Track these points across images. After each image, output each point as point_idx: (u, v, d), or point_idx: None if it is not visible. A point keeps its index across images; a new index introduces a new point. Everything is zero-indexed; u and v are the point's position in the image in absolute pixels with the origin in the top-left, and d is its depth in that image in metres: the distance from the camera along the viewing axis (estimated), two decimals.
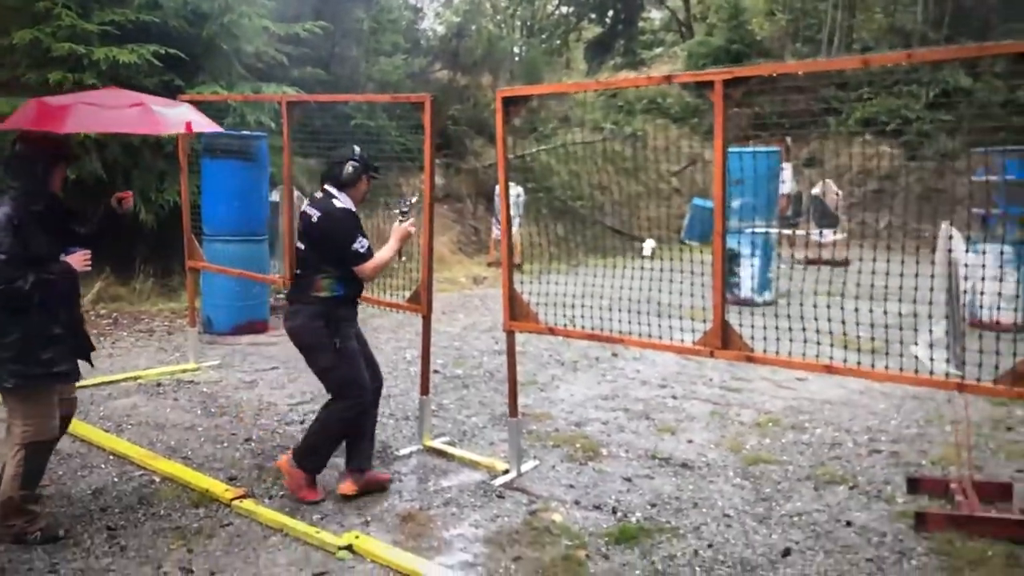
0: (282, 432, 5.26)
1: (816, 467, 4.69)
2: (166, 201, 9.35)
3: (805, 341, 4.02)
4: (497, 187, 13.54)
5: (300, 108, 5.69)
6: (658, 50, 26.54)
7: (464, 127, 15.47)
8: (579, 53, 32.17)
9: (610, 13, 32.08)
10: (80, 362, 3.78)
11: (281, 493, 4.26)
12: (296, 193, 9.60)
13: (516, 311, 4.52)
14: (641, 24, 33.54)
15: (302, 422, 5.42)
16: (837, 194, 13.32)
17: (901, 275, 3.75)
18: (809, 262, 11.52)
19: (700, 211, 15.21)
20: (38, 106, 3.67)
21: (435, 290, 11.42)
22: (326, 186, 4.25)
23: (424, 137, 4.89)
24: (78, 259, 3.57)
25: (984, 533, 3.71)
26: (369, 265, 4.15)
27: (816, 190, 13.62)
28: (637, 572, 3.49)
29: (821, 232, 13.50)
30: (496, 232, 13.26)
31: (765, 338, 4.00)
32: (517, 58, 23.09)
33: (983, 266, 8.32)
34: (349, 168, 4.19)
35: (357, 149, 4.31)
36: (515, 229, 12.96)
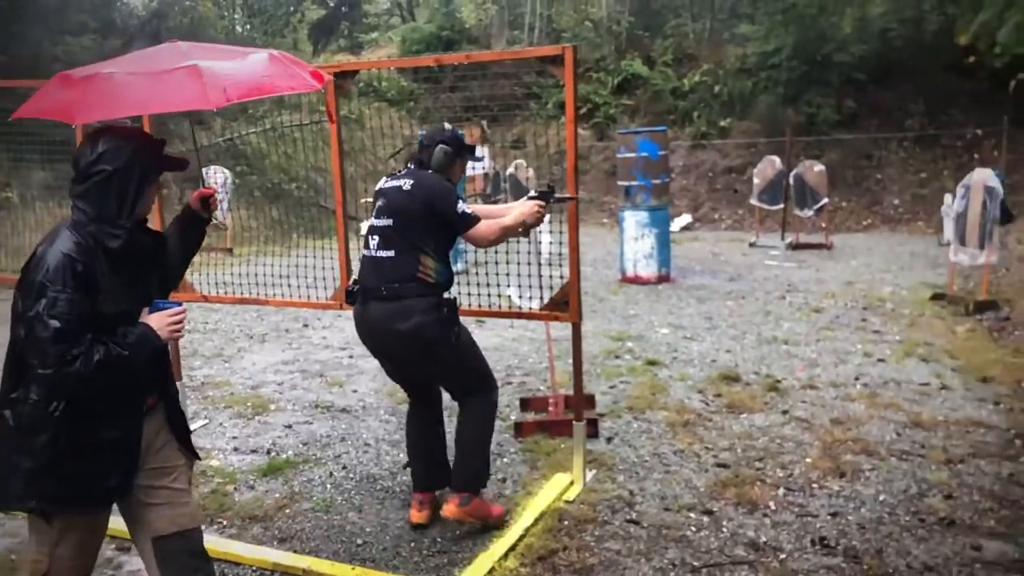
0: None
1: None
2: None
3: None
4: (204, 171, 13.37)
5: None
6: (374, 34, 27.11)
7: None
8: (305, 35, 31.93)
9: None
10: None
11: None
12: None
13: None
14: (367, 7, 33.99)
15: None
16: (529, 172, 14.68)
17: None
18: None
19: None
20: (85, 81, 2.45)
21: None
22: (410, 164, 3.67)
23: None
24: (164, 322, 2.40)
25: (561, 433, 4.72)
26: (488, 228, 3.48)
27: (511, 169, 14.93)
28: (276, 495, 4.09)
29: None
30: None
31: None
32: (240, 39, 22.66)
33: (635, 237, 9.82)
34: (440, 154, 3.56)
35: (448, 127, 3.71)
36: (224, 213, 12.97)
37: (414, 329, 3.37)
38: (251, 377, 6.21)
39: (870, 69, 16.79)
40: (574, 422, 4.10)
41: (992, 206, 7.90)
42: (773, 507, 3.83)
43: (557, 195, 3.72)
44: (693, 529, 3.64)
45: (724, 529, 3.63)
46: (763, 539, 3.53)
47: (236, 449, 4.72)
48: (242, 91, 2.50)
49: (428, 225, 3.45)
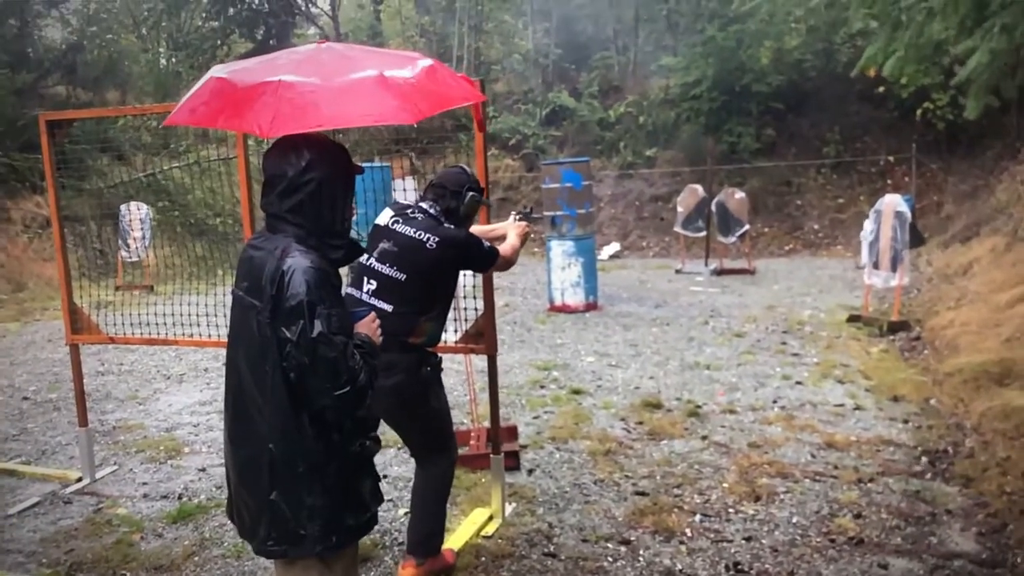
0: None
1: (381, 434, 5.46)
2: None
3: None
4: (122, 207, 13.04)
5: None
6: None
7: (85, 145, 14.66)
8: None
9: (261, 29, 32.09)
10: None
11: None
12: None
13: (78, 325, 4.73)
14: (295, 41, 33.92)
15: None
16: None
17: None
18: None
19: None
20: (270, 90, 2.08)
21: (48, 317, 10.86)
22: (429, 209, 3.35)
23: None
24: (373, 328, 2.35)
25: (483, 466, 4.68)
26: (505, 255, 3.48)
27: None
28: (186, 542, 3.94)
29: None
30: (124, 254, 12.83)
31: None
32: (164, 72, 22.25)
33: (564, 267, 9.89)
34: (472, 202, 3.37)
35: (468, 169, 3.48)
36: (144, 250, 12.66)
37: (393, 387, 3.17)
38: (166, 419, 6.00)
39: (787, 99, 17.37)
40: (492, 455, 4.07)
41: (902, 231, 8.21)
42: (690, 534, 3.85)
43: (533, 215, 3.95)
44: (610, 560, 3.63)
45: (641, 558, 3.63)
46: (679, 567, 3.54)
47: (146, 496, 4.55)
48: (432, 102, 2.24)
49: (449, 279, 3.35)
